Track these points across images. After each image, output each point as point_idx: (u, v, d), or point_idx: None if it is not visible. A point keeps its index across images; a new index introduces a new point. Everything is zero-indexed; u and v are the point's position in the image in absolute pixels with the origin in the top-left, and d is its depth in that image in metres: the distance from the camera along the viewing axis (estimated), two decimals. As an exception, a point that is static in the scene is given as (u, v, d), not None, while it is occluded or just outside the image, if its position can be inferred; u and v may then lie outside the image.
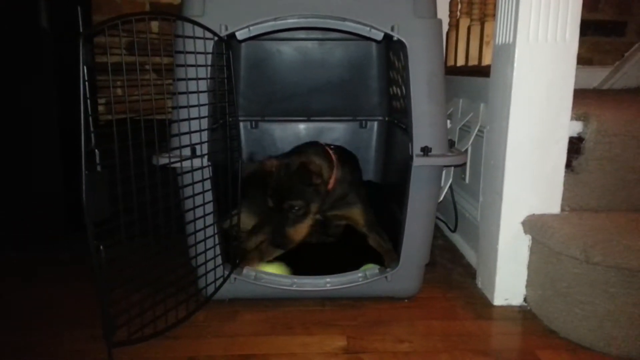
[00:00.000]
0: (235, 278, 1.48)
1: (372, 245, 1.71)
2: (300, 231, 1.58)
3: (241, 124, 2.19)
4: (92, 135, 0.99)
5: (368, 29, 1.37)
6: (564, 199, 1.46)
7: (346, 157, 1.88)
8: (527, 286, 1.49)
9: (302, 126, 2.25)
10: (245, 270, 1.49)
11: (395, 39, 1.37)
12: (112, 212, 1.11)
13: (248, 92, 2.14)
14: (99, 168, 1.03)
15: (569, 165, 1.45)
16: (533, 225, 1.42)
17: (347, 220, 1.76)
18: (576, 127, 1.45)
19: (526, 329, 1.40)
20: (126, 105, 1.06)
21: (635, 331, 1.24)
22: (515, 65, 1.38)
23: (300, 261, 1.61)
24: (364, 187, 1.86)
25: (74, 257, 1.84)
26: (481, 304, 1.53)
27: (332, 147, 1.83)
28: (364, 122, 2.24)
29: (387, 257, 1.57)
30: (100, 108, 2.25)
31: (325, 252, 1.71)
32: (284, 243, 1.55)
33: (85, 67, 0.97)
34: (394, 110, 2.02)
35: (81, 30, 0.95)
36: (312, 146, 1.80)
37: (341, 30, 1.39)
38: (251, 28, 1.34)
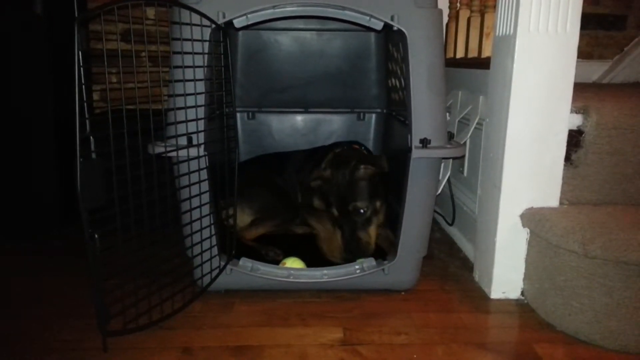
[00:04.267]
0: (231, 269, 1.47)
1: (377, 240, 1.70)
2: (371, 232, 1.59)
3: (238, 115, 2.17)
4: (87, 122, 0.98)
5: (367, 18, 1.35)
6: (562, 192, 1.45)
7: (369, 151, 1.91)
8: (524, 279, 1.48)
9: (299, 117, 2.23)
10: (241, 262, 1.48)
11: (395, 29, 1.36)
12: (107, 201, 1.09)
13: (245, 82, 2.12)
14: (93, 155, 1.02)
15: (568, 158, 1.44)
16: (531, 218, 1.41)
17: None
18: (576, 120, 1.44)
19: (523, 322, 1.39)
20: (122, 93, 1.05)
21: (633, 325, 1.24)
22: (515, 56, 1.37)
23: (297, 253, 1.60)
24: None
25: (68, 248, 1.83)
26: (478, 297, 1.53)
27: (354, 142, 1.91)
28: (362, 114, 2.23)
29: (392, 251, 1.56)
30: (96, 97, 2.23)
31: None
32: (359, 248, 1.54)
33: (80, 53, 0.95)
34: (393, 103, 2.00)
35: (76, 14, 0.93)
36: (348, 145, 1.86)
37: (340, 20, 1.38)
38: (249, 16, 1.32)
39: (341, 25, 1.97)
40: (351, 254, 1.54)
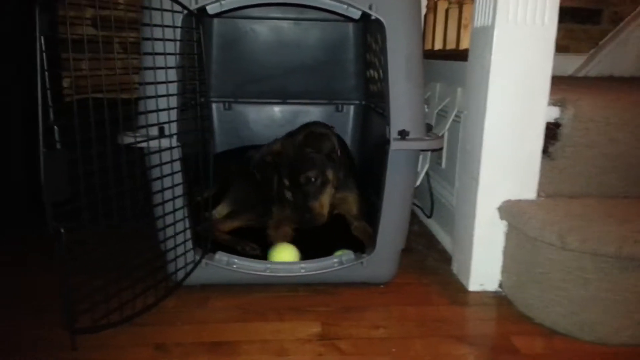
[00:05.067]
0: (206, 263, 1.43)
1: (354, 233, 1.68)
2: (324, 202, 1.58)
3: (214, 106, 2.13)
4: (51, 110, 0.93)
5: (345, 6, 1.32)
6: (540, 184, 1.45)
7: (341, 138, 1.88)
8: (502, 272, 1.48)
9: (277, 109, 2.20)
10: (217, 255, 1.45)
11: (373, 18, 1.33)
12: (74, 194, 1.05)
13: (221, 72, 2.07)
14: (58, 146, 0.97)
15: (545, 151, 1.44)
16: (509, 210, 1.41)
17: (340, 207, 1.72)
18: (553, 113, 1.44)
19: (501, 315, 1.39)
20: (88, 80, 1.00)
21: (609, 316, 1.24)
22: (493, 47, 1.36)
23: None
24: (356, 174, 1.83)
25: (37, 242, 1.76)
26: (456, 290, 1.52)
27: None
28: (340, 105, 2.21)
29: (370, 244, 1.54)
30: (66, 84, 2.15)
31: (301, 237, 1.67)
32: (312, 219, 1.53)
33: (42, 38, 0.90)
34: (371, 94, 1.98)
35: (37, -2, 0.88)
36: (312, 122, 1.82)
37: (317, 8, 1.34)
38: (222, 2, 1.28)
39: (319, 15, 1.94)
40: (305, 224, 1.53)
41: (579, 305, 1.26)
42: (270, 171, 1.68)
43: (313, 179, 1.56)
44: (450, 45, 1.99)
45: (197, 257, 1.43)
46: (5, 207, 1.84)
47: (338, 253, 1.50)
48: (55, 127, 0.93)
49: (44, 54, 0.90)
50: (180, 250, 1.39)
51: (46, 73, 0.90)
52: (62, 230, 0.99)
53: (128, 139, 1.24)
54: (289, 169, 1.60)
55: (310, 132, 1.63)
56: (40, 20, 0.87)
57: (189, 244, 1.41)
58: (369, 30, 1.81)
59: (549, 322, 1.31)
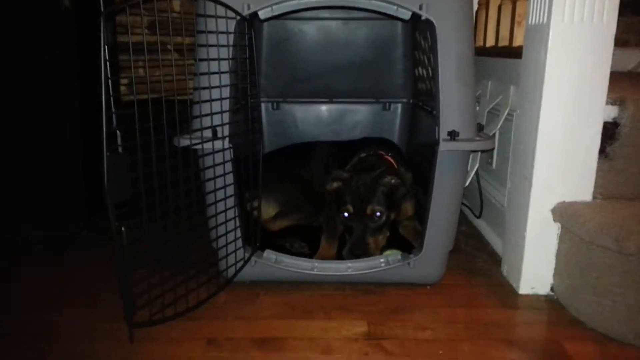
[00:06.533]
0: (255, 261, 1.47)
1: (401, 232, 1.69)
2: (379, 242, 1.55)
3: (262, 105, 2.16)
4: (114, 116, 0.98)
5: (395, 7, 1.32)
6: (596, 186, 1.40)
7: (399, 153, 1.86)
8: (554, 275, 1.44)
9: (324, 107, 2.22)
10: (265, 254, 1.48)
11: (423, 18, 1.33)
12: (133, 194, 1.10)
13: (270, 72, 2.11)
14: (120, 149, 1.02)
15: (602, 151, 1.39)
16: (563, 213, 1.37)
17: (399, 214, 1.71)
18: (611, 112, 1.39)
19: (552, 319, 1.36)
20: (147, 87, 1.04)
21: (668, 325, 1.20)
22: (549, 46, 1.32)
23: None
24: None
25: (97, 238, 1.86)
26: (506, 292, 1.49)
27: (384, 143, 1.87)
28: (387, 104, 2.20)
29: (419, 243, 1.52)
30: (123, 88, 2.24)
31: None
32: (364, 252, 1.50)
33: (106, 47, 0.95)
34: (419, 92, 1.97)
35: (102, 9, 0.93)
36: (375, 148, 1.79)
37: (367, 9, 1.35)
38: (274, 7, 1.30)
39: (367, 14, 1.94)
40: (354, 256, 1.50)
41: (636, 312, 1.22)
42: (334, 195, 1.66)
43: (378, 214, 1.54)
44: (503, 42, 1.94)
45: (247, 255, 1.47)
46: (65, 203, 1.94)
47: (387, 253, 1.50)
48: (118, 132, 0.99)
49: (107, 63, 0.94)
50: (230, 248, 1.43)
51: (110, 81, 0.94)
52: (123, 229, 1.04)
53: (184, 142, 1.28)
54: (356, 197, 1.56)
55: (385, 172, 1.59)
56: (105, 30, 0.92)
57: (239, 242, 1.45)
58: (418, 28, 1.80)
59: (603, 327, 1.27)
